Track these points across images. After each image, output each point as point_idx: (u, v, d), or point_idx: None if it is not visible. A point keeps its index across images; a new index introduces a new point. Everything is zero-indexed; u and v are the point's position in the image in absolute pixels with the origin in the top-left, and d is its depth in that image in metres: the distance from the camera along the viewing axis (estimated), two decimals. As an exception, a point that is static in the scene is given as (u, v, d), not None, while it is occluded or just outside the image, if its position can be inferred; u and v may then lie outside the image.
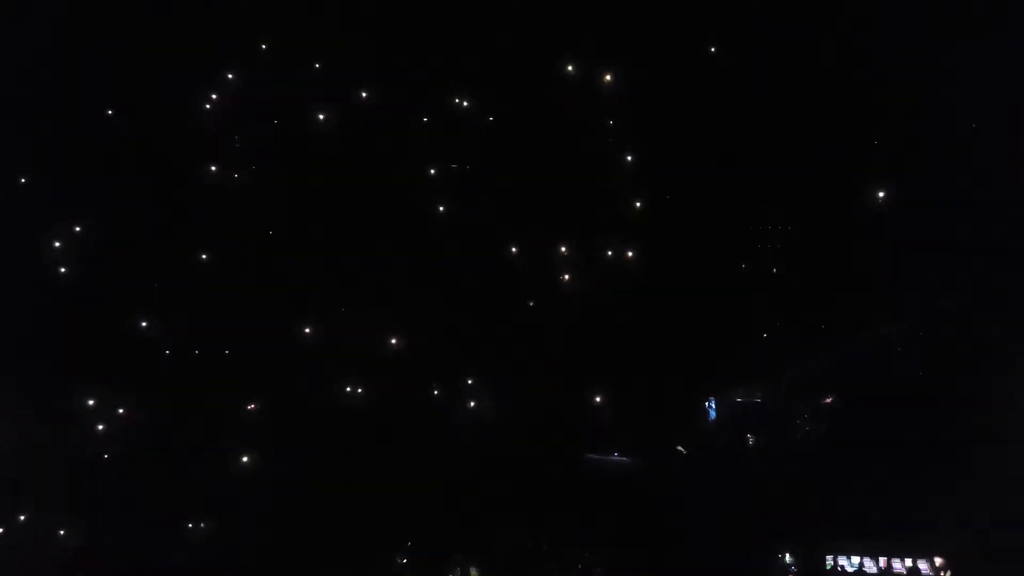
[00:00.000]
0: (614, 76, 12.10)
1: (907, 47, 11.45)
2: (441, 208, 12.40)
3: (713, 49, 12.12)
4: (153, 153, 12.07)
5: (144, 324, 11.96)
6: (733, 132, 12.05)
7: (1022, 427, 10.66)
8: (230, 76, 12.33)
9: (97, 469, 11.72)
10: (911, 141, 11.67)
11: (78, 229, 11.93)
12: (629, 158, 12.28)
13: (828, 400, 11.96)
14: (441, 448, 11.78)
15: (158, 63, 11.81)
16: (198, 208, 12.17)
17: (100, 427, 11.77)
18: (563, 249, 12.16)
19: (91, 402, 11.75)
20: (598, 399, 12.02)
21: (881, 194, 11.57)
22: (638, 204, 12.15)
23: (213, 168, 12.30)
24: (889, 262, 11.71)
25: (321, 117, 12.29)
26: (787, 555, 11.88)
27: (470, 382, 12.11)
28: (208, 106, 12.36)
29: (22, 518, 11.42)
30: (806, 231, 12.41)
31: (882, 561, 11.57)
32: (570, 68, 12.03)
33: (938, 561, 11.20)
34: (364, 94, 12.38)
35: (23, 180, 11.86)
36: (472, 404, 12.04)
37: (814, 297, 12.08)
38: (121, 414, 11.84)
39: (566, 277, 12.12)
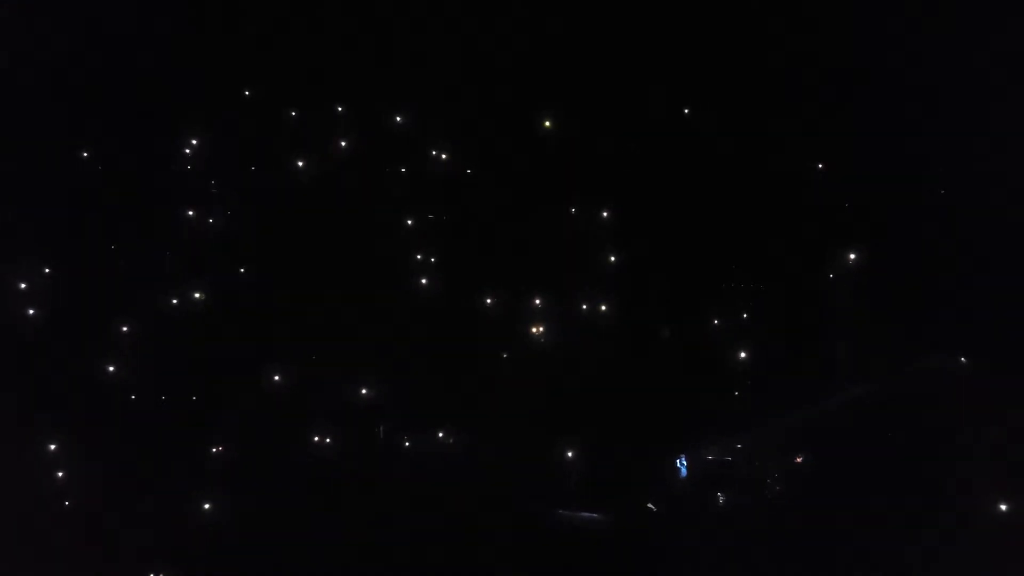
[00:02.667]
0: (592, 133, 12.29)
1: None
2: (418, 256, 12.45)
3: (686, 111, 12.36)
4: (125, 195, 12.08)
5: (111, 369, 11.87)
6: (709, 189, 12.24)
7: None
8: (209, 121, 12.42)
9: (57, 518, 11.45)
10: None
11: (47, 271, 11.92)
12: (605, 213, 12.42)
13: (799, 460, 11.89)
14: (405, 501, 11.62)
15: (134, 106, 11.91)
16: (170, 252, 12.17)
17: (60, 474, 11.58)
18: (537, 302, 12.24)
19: (52, 447, 11.59)
20: (568, 455, 11.95)
21: (852, 256, 11.78)
22: (612, 259, 12.26)
23: (190, 212, 12.36)
24: (864, 319, 11.79)
25: (300, 164, 12.42)
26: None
27: (440, 435, 12.03)
28: (187, 151, 12.43)
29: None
30: (781, 289, 12.45)
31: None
32: (548, 124, 12.24)
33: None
34: (343, 144, 12.51)
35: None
36: (440, 456, 11.93)
37: (787, 354, 12.08)
38: (84, 459, 11.64)
39: (539, 330, 12.18)
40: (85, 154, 12.26)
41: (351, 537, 11.54)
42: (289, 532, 11.59)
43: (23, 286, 11.75)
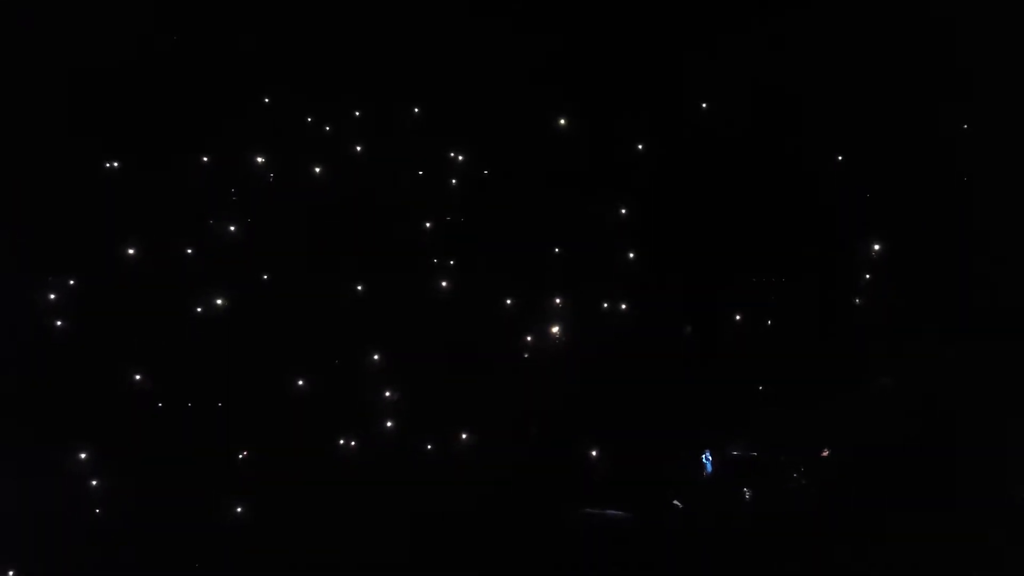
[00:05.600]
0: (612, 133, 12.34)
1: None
2: (435, 260, 12.50)
3: (705, 105, 12.32)
4: (149, 205, 12.20)
5: (137, 377, 11.97)
6: (727, 185, 12.26)
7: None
8: (230, 128, 12.54)
9: (86, 527, 11.54)
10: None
11: (72, 282, 12.06)
12: (623, 211, 12.42)
13: (825, 454, 11.83)
14: (430, 505, 11.63)
15: (153, 114, 12.04)
16: (191, 259, 12.28)
17: (93, 482, 11.68)
18: (556, 301, 12.24)
19: (83, 456, 11.70)
20: (594, 453, 11.94)
21: (876, 247, 11.74)
22: (631, 255, 12.27)
23: (211, 221, 12.47)
24: (887, 315, 11.76)
25: (317, 170, 12.50)
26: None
27: (464, 436, 12.05)
28: (205, 159, 12.53)
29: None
30: (803, 284, 12.40)
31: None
32: (563, 122, 12.25)
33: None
34: (359, 148, 12.58)
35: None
36: (464, 458, 11.94)
37: (811, 350, 12.02)
38: (112, 468, 11.74)
39: (558, 329, 12.18)
40: (108, 164, 12.34)
41: (374, 537, 11.53)
42: (313, 534, 11.63)
43: (52, 297, 11.84)
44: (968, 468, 10.82)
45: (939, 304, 11.65)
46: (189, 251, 12.36)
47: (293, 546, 11.56)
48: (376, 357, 12.20)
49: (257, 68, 12.62)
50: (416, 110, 12.72)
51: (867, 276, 11.96)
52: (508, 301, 12.30)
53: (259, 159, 12.56)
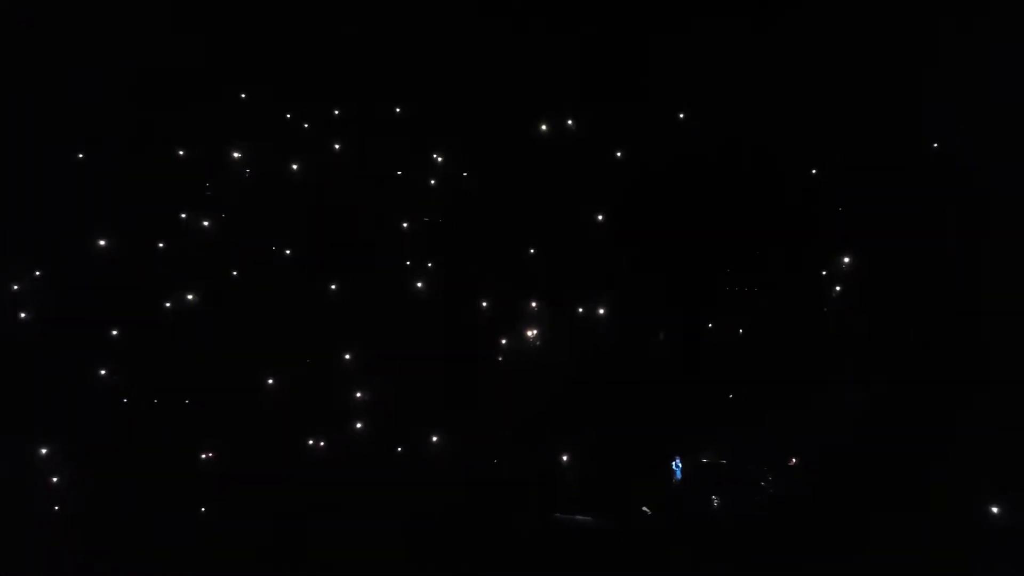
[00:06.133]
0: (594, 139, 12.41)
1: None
2: (409, 262, 12.45)
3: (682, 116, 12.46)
4: (122, 198, 11.99)
5: (102, 372, 11.77)
6: (706, 193, 12.36)
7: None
8: (206, 125, 12.37)
9: (49, 522, 11.35)
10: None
11: (38, 273, 11.81)
12: (600, 217, 12.50)
13: (793, 462, 11.98)
14: (402, 508, 11.59)
15: (133, 109, 11.87)
16: (164, 255, 12.11)
17: (54, 479, 11.46)
18: (533, 304, 12.28)
19: (44, 451, 11.46)
20: (565, 458, 11.97)
21: (847, 260, 11.95)
22: (606, 264, 12.30)
23: (183, 216, 12.29)
24: (859, 325, 11.93)
25: (294, 168, 12.40)
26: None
27: (435, 439, 12.01)
28: (180, 152, 12.35)
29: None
30: (776, 294, 12.55)
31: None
32: (544, 127, 12.32)
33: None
34: (337, 146, 12.50)
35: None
36: (435, 461, 11.91)
37: (782, 359, 12.17)
38: (75, 463, 11.53)
39: (535, 333, 12.22)
40: (80, 155, 12.08)
41: (346, 540, 11.47)
42: (283, 534, 11.51)
43: (15, 288, 11.59)
44: (940, 479, 11.00)
45: (912, 314, 11.80)
46: (161, 245, 12.15)
47: (258, 545, 11.44)
48: (349, 357, 12.10)
49: (236, 64, 12.43)
50: (397, 110, 12.64)
51: (838, 289, 12.09)
52: (484, 304, 12.28)
53: (235, 154, 12.40)
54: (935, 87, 11.64)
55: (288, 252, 12.33)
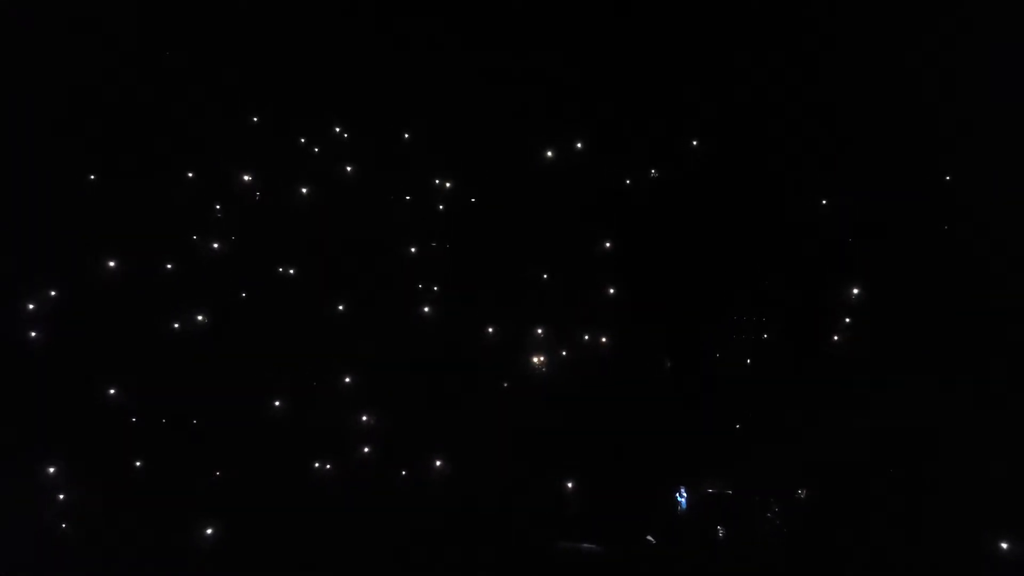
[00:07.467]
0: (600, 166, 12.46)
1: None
2: (419, 285, 12.50)
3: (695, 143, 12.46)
4: (132, 218, 12.13)
5: (111, 391, 11.88)
6: (710, 221, 12.36)
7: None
8: (215, 145, 12.52)
9: (55, 540, 11.42)
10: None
11: (53, 293, 11.97)
12: (607, 244, 12.50)
13: (800, 493, 11.85)
14: (401, 532, 11.57)
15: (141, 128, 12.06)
16: (173, 275, 12.23)
17: (61, 496, 11.55)
18: (539, 331, 12.27)
19: (51, 470, 11.57)
20: (569, 485, 11.92)
21: (856, 291, 11.87)
22: (612, 291, 12.33)
23: (194, 237, 12.42)
24: (864, 356, 11.83)
25: (303, 191, 12.51)
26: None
27: (440, 463, 12.00)
28: (190, 175, 12.50)
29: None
30: (782, 325, 12.47)
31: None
32: (550, 154, 12.36)
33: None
34: (347, 170, 12.61)
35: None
36: (439, 486, 11.90)
37: (787, 389, 12.08)
38: (83, 481, 11.62)
39: (541, 359, 12.21)
40: (92, 176, 12.25)
41: (343, 561, 11.46)
42: (286, 556, 11.53)
43: (31, 307, 11.75)
44: (945, 511, 10.87)
45: (919, 344, 11.69)
46: (170, 266, 12.27)
47: (263, 568, 11.47)
48: (354, 381, 12.14)
49: (247, 88, 12.57)
50: (406, 135, 12.73)
51: (847, 319, 12.00)
52: (490, 329, 12.28)
53: (246, 177, 12.52)
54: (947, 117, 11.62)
55: (295, 276, 12.40)
